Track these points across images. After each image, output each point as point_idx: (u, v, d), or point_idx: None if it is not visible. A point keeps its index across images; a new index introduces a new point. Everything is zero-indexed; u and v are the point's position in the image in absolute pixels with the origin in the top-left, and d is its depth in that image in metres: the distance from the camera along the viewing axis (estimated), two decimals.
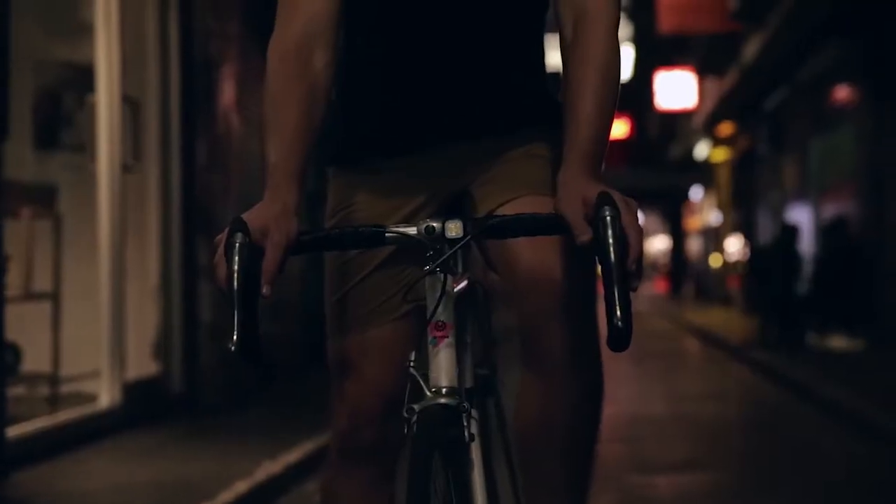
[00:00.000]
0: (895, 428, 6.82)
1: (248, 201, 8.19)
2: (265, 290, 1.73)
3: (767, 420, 8.52)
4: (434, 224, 1.82)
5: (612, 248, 1.65)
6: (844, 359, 11.72)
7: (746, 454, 6.86)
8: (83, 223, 6.55)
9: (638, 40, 29.00)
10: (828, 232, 13.78)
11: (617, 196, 1.73)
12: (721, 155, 24.50)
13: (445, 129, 2.17)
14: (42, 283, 6.29)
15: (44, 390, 6.35)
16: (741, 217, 22.48)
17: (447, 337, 1.87)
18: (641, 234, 1.71)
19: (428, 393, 1.83)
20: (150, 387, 6.94)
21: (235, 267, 1.70)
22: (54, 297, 6.30)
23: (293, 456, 5.70)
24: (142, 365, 6.92)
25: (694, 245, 33.60)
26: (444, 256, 1.81)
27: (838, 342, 13.08)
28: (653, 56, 24.08)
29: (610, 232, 1.66)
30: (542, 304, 2.04)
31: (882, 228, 12.38)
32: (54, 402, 6.26)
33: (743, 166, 22.38)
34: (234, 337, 1.67)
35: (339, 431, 2.23)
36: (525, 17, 2.19)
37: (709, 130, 23.15)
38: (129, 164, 6.67)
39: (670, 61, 21.92)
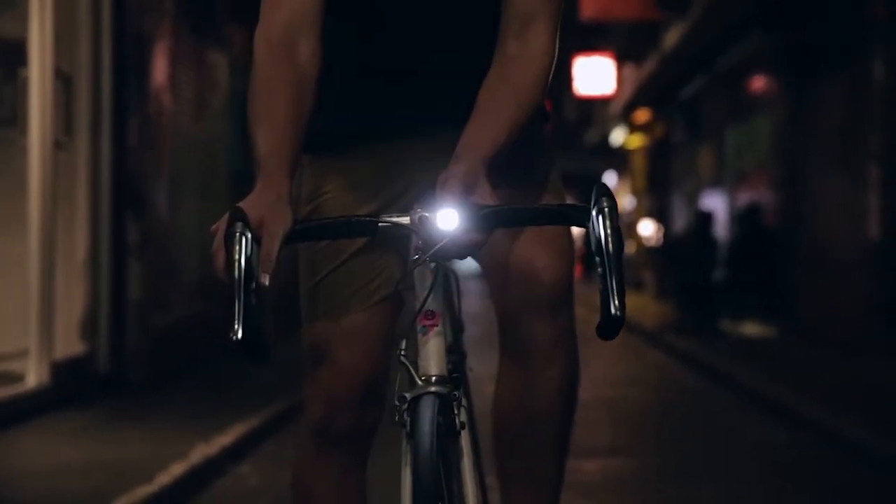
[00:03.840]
0: (810, 413, 6.99)
1: (178, 181, 8.11)
2: (264, 279, 1.73)
3: (687, 405, 8.68)
4: (427, 214, 1.84)
5: (609, 239, 1.69)
6: (758, 345, 11.95)
7: (669, 439, 6.98)
8: (12, 199, 6.45)
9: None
10: (741, 218, 14.02)
11: (453, 191, 1.83)
12: (637, 141, 24.75)
13: (422, 117, 2.20)
14: None
15: None
16: (655, 203, 22.76)
17: (436, 326, 1.89)
18: None
19: (418, 381, 1.85)
20: (77, 366, 6.87)
21: (236, 256, 1.70)
22: None
23: (227, 438, 5.69)
24: (69, 344, 6.83)
25: None
26: (437, 246, 1.83)
27: (751, 328, 13.34)
28: (572, 41, 24.21)
29: (608, 223, 1.70)
30: (521, 295, 2.09)
31: (796, 217, 12.63)
32: None
33: (658, 153, 22.64)
34: (236, 326, 1.67)
35: (314, 417, 2.24)
36: (494, 7, 2.23)
37: (625, 117, 23.37)
38: (61, 140, 6.58)
39: (590, 47, 22.07)
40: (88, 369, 7.03)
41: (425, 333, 1.89)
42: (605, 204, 1.71)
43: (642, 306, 18.62)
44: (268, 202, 1.82)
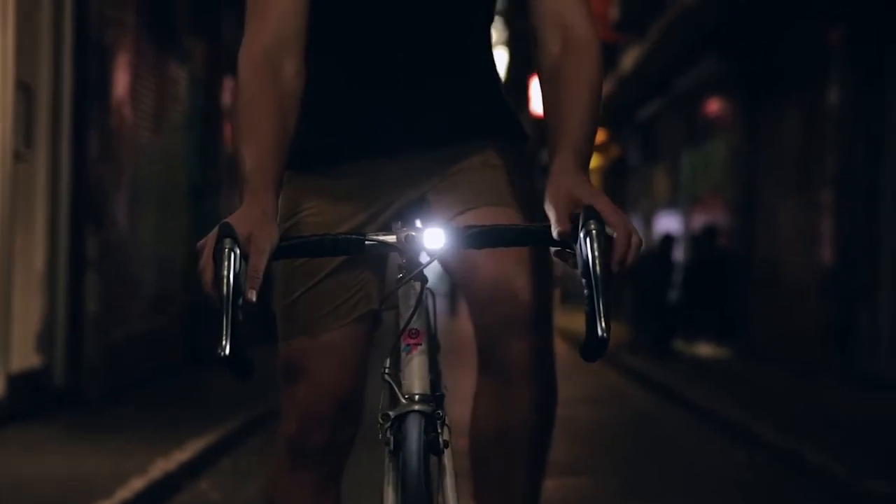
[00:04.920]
0: (766, 434, 7.05)
1: (137, 194, 8.04)
2: (251, 295, 1.74)
3: (643, 424, 8.72)
4: (413, 233, 1.85)
5: (597, 262, 1.70)
6: (712, 366, 12.04)
7: (626, 458, 7.01)
8: None
9: (514, 44, 29.35)
10: (697, 240, 14.13)
11: (606, 201, 1.79)
12: (592, 162, 24.87)
13: (403, 137, 2.20)
14: None
15: None
16: None
17: (420, 344, 1.90)
18: (630, 234, 1.77)
19: (402, 399, 1.86)
20: (33, 379, 6.80)
21: (225, 272, 1.70)
22: None
23: (186, 454, 5.66)
24: (25, 357, 6.76)
25: None
26: (424, 266, 1.85)
27: (705, 350, 13.44)
28: (529, 60, 24.36)
29: (595, 245, 1.70)
30: (500, 314, 2.09)
31: (751, 240, 12.74)
32: None
33: (613, 174, 22.79)
34: (224, 342, 1.67)
35: (289, 434, 2.23)
36: (477, 28, 2.25)
37: None
38: (21, 151, 6.53)
39: None
40: (44, 383, 6.96)
41: (409, 352, 1.90)
42: (592, 226, 1.72)
43: None
44: (254, 218, 1.82)
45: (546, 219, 1.87)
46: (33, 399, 6.68)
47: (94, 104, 7.28)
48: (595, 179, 25.47)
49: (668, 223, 16.82)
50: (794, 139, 11.42)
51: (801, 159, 11.18)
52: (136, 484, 4.89)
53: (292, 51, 2.06)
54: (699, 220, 15.05)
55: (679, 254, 14.97)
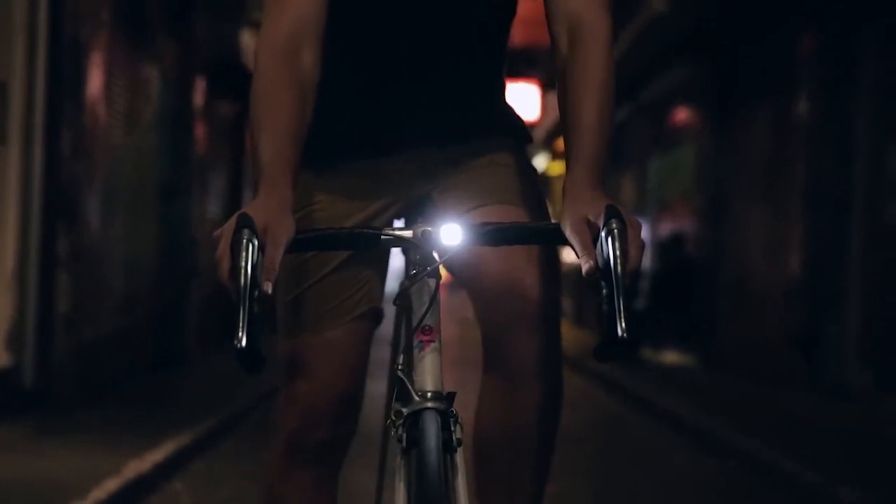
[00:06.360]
0: (735, 441, 7.08)
1: (109, 193, 7.95)
2: (267, 287, 1.71)
3: (613, 430, 8.75)
4: (430, 228, 1.83)
5: (619, 261, 1.68)
6: (679, 373, 12.07)
7: (598, 463, 7.02)
8: None
9: None
10: (665, 247, 14.15)
11: (623, 212, 1.76)
12: (559, 168, 24.92)
13: (410, 134, 2.19)
14: None
15: None
16: None
17: (434, 341, 1.88)
18: (642, 251, 1.75)
19: (415, 397, 1.84)
20: (1, 379, 6.71)
21: (243, 263, 1.68)
22: None
23: (159, 455, 5.62)
24: None
25: None
26: (440, 262, 1.83)
27: (671, 357, 13.47)
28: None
29: (618, 244, 1.69)
30: (509, 313, 2.08)
31: (718, 248, 12.77)
32: None
33: None
34: (240, 334, 1.64)
35: (289, 431, 2.21)
36: (490, 29, 2.24)
37: (548, 144, 23.53)
38: None
39: (518, 73, 22.18)
40: (14, 382, 6.87)
41: (422, 349, 1.88)
42: (614, 225, 1.70)
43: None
44: (271, 209, 1.79)
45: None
46: (2, 399, 6.60)
47: (68, 102, 7.21)
48: (562, 186, 25.55)
49: None
50: (763, 146, 11.46)
51: (770, 166, 11.23)
52: (110, 485, 4.84)
53: (311, 40, 2.02)
54: (666, 227, 15.09)
55: (645, 261, 15.01)
